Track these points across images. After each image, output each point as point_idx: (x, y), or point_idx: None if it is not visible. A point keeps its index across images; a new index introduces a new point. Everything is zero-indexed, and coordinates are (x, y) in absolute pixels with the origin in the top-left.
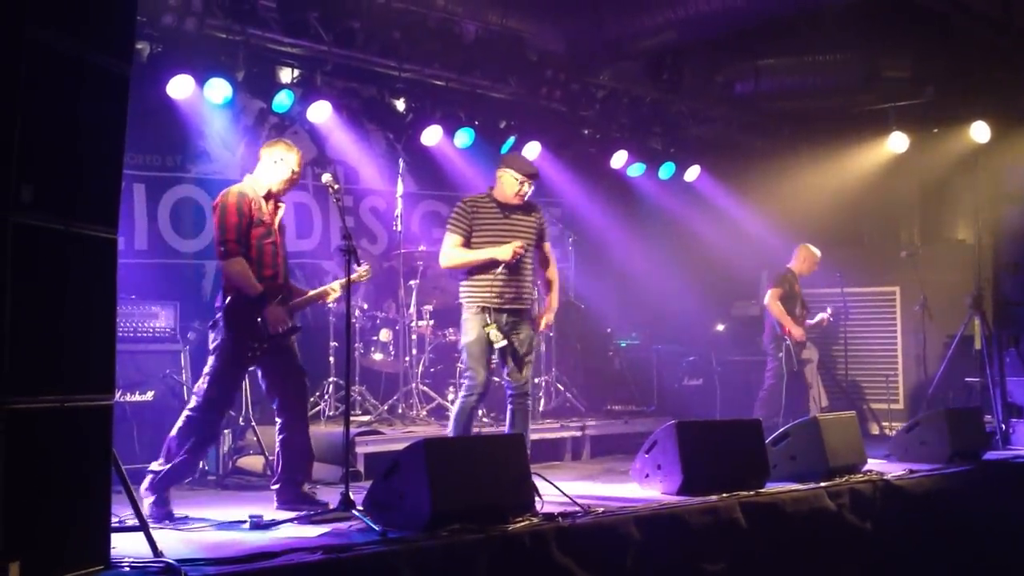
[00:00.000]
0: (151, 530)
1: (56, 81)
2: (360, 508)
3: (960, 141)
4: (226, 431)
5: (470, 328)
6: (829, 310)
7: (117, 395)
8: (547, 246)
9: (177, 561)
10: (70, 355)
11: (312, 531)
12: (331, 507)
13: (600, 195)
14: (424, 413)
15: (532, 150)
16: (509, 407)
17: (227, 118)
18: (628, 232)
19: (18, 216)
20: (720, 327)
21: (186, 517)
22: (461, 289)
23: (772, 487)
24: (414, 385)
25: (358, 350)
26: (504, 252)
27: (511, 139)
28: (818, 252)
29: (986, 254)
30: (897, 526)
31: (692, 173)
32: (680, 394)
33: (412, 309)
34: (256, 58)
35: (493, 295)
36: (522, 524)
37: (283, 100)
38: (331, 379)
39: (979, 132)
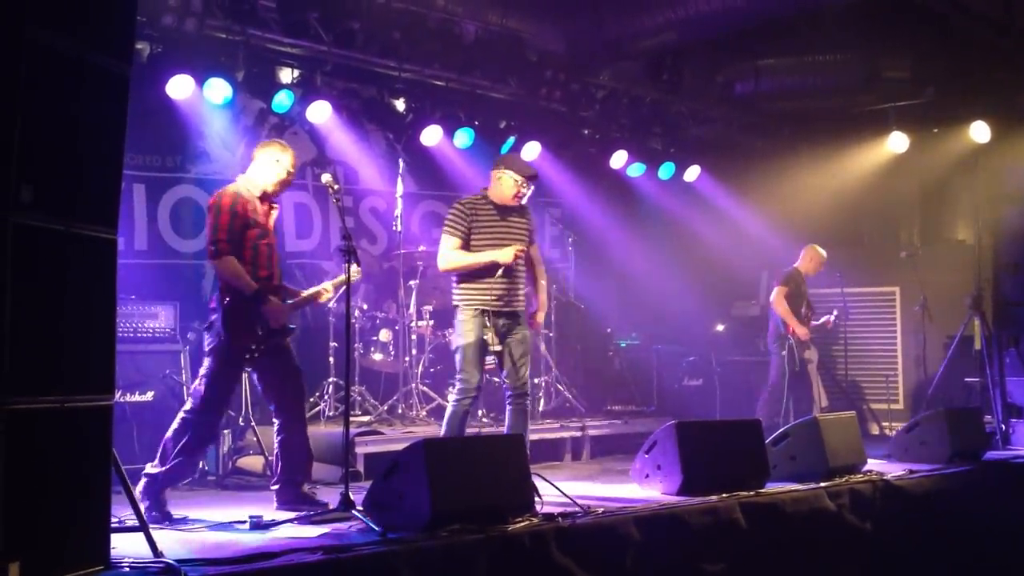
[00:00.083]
0: (151, 530)
1: (56, 81)
2: (360, 508)
3: (960, 141)
4: (226, 431)
5: (467, 330)
6: (836, 312)
7: (117, 395)
8: (535, 247)
9: (177, 561)
10: (70, 355)
11: (312, 531)
12: (331, 507)
13: (600, 195)
14: (424, 413)
15: (532, 150)
16: (508, 407)
17: (227, 118)
18: (628, 232)
19: (18, 216)
20: (720, 327)
21: (185, 518)
22: (457, 291)
23: (772, 487)
24: (414, 385)
25: (358, 350)
26: (506, 255)
27: (511, 139)
28: (824, 253)
29: (986, 254)
30: (897, 526)
31: (692, 173)
32: (680, 394)
33: (412, 309)
34: (256, 58)
35: (492, 298)
36: (522, 524)
37: (283, 100)
38: (331, 379)
39: (979, 132)
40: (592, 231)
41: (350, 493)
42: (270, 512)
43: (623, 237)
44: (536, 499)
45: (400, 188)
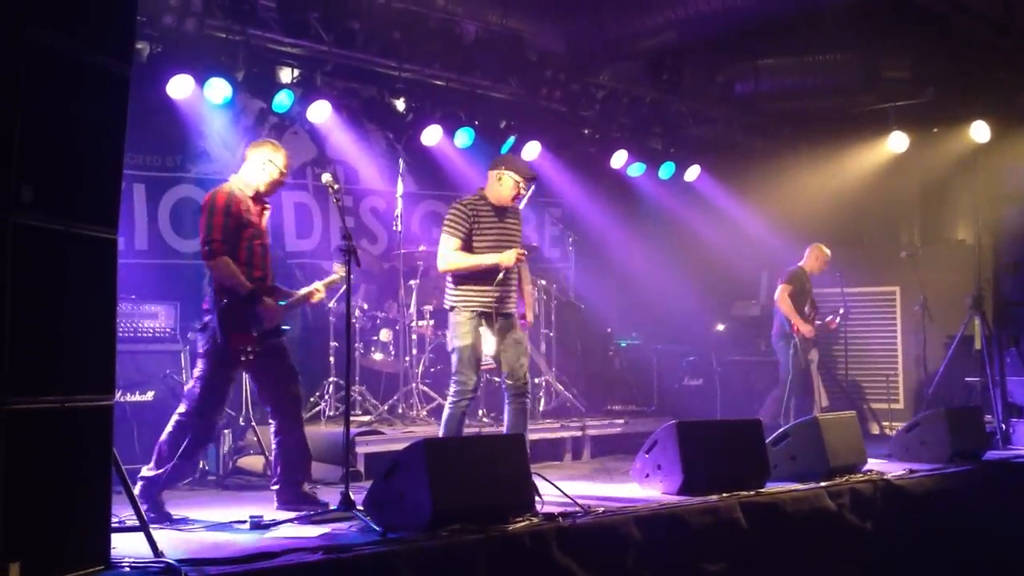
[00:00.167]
0: (151, 530)
1: (56, 81)
2: (360, 508)
3: (960, 141)
4: (226, 431)
5: (464, 332)
6: (842, 311)
7: (117, 395)
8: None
9: (177, 561)
10: (70, 355)
11: (312, 531)
12: (331, 507)
13: (600, 195)
14: (424, 413)
15: (532, 150)
16: (507, 407)
17: (227, 118)
18: (628, 232)
19: (18, 216)
20: (720, 327)
21: (186, 518)
22: (453, 293)
23: (772, 487)
24: (414, 385)
25: (358, 350)
26: (508, 258)
27: (511, 139)
28: (828, 252)
29: (986, 254)
30: (897, 526)
31: (692, 173)
32: (680, 394)
33: (412, 309)
34: (256, 58)
35: (490, 300)
36: (522, 524)
37: (283, 100)
38: (331, 379)
39: (979, 132)
40: (592, 231)
41: (350, 493)
42: (270, 512)
43: (623, 237)
44: (536, 499)
45: (400, 188)
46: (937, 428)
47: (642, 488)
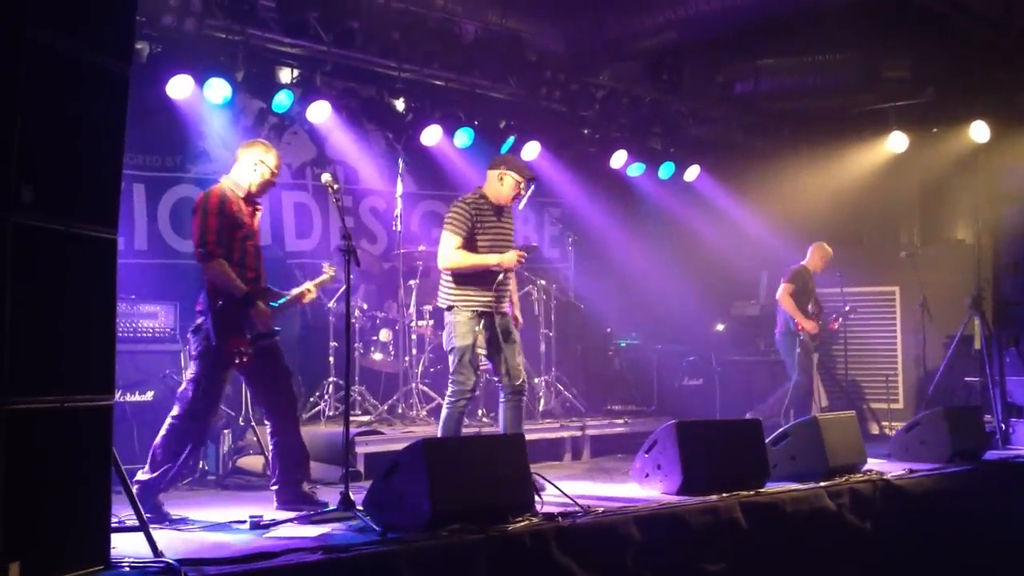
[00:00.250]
0: (151, 530)
1: (56, 81)
2: (360, 508)
3: (960, 141)
4: (226, 431)
5: (465, 332)
6: (847, 308)
7: (117, 395)
8: None
9: (177, 561)
10: (70, 355)
11: (312, 531)
12: (331, 507)
13: (600, 195)
14: (424, 413)
15: (532, 150)
16: (505, 405)
17: (227, 118)
18: (628, 232)
19: (18, 216)
20: (720, 327)
21: (185, 518)
22: (452, 292)
23: (772, 487)
24: (414, 385)
25: (358, 350)
26: (510, 259)
27: (511, 139)
28: (830, 250)
29: (986, 254)
30: (897, 526)
31: (692, 173)
32: (680, 394)
33: (412, 309)
34: (256, 58)
35: (490, 299)
36: (522, 524)
37: (283, 100)
38: (331, 379)
39: (979, 132)
40: (592, 231)
41: (350, 493)
42: (270, 512)
43: (623, 237)
44: (536, 499)
45: (400, 188)
46: (937, 428)
47: (642, 488)
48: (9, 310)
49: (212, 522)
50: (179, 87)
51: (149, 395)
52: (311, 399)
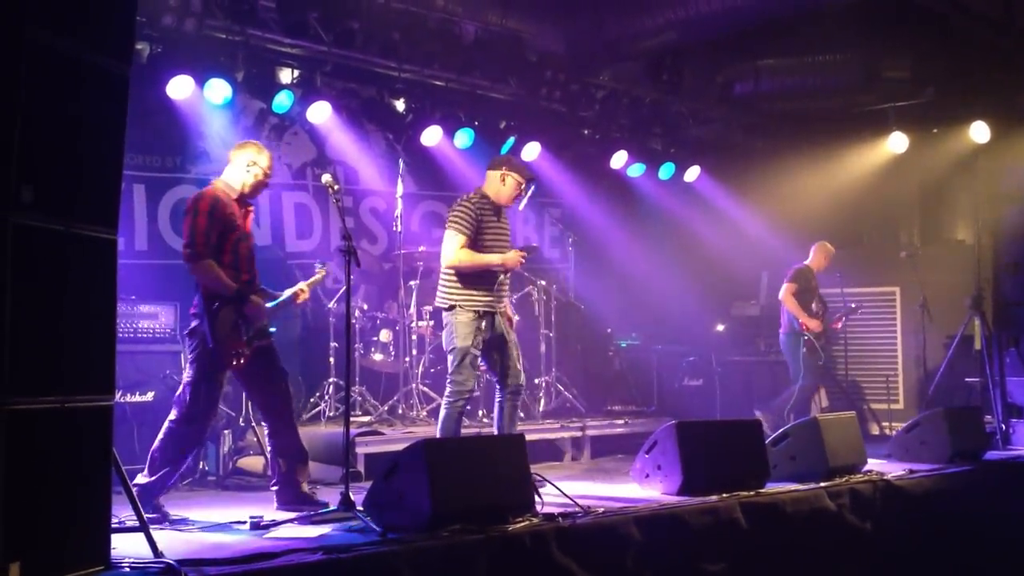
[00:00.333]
0: (151, 530)
1: (56, 81)
2: (360, 508)
3: (960, 141)
4: (226, 431)
5: (467, 333)
6: (853, 305)
7: (117, 395)
8: None
9: (177, 561)
10: (70, 355)
11: (312, 531)
12: (331, 507)
13: (600, 195)
14: (424, 413)
15: (532, 150)
16: (503, 405)
17: (227, 119)
18: (628, 232)
19: (18, 216)
20: (720, 327)
21: (185, 518)
22: (455, 291)
23: (772, 487)
24: (414, 385)
25: (358, 351)
26: (513, 260)
27: (511, 139)
28: (833, 249)
29: (986, 254)
30: (897, 526)
31: (692, 173)
32: (680, 394)
33: (412, 309)
34: (256, 59)
35: (492, 299)
36: (522, 524)
37: (283, 100)
38: (331, 379)
39: (979, 132)
40: (592, 231)
41: (350, 493)
42: (270, 512)
43: (623, 237)
44: (536, 499)
45: (400, 188)
46: (937, 428)
47: (642, 488)
48: (9, 310)
49: (212, 522)
50: (179, 87)
51: (149, 395)
52: (311, 400)
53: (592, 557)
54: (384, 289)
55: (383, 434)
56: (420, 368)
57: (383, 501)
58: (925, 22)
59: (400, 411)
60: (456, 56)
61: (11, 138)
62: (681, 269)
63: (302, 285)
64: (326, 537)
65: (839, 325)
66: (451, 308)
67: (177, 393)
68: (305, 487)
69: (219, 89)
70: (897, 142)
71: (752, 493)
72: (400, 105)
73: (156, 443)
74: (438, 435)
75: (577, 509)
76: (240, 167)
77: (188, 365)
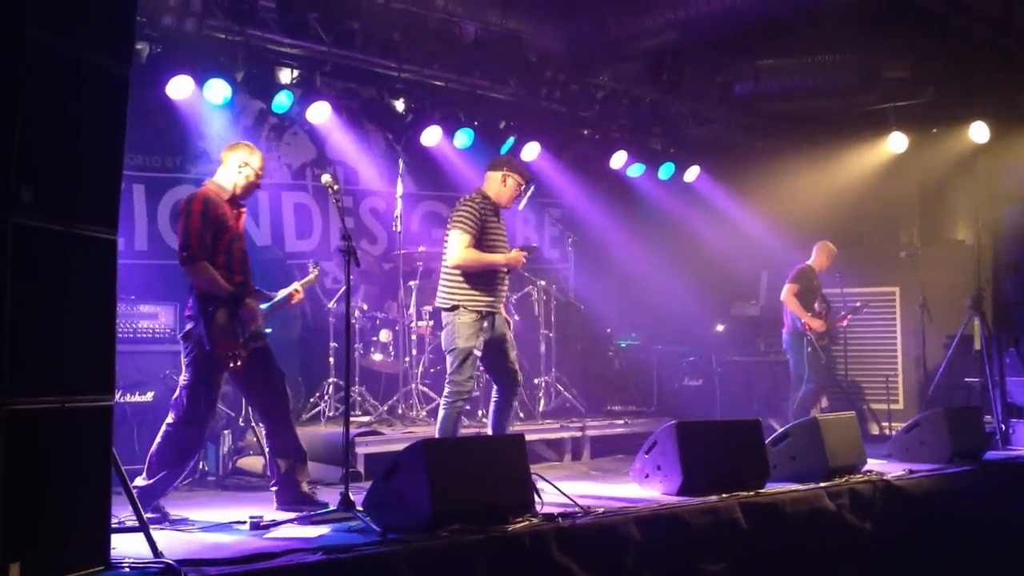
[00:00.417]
0: (151, 530)
1: (56, 81)
2: (360, 508)
3: (959, 141)
4: (226, 432)
5: (471, 333)
6: (859, 304)
7: (117, 395)
8: None
9: (177, 562)
10: (70, 355)
11: (312, 531)
12: (331, 507)
13: (600, 195)
14: (424, 413)
15: (532, 151)
16: (500, 403)
17: (227, 119)
18: (628, 232)
19: (18, 216)
20: (720, 327)
21: (186, 518)
22: (459, 291)
23: (772, 487)
24: (414, 386)
25: (358, 351)
26: (516, 259)
27: (511, 139)
28: (835, 248)
29: (986, 254)
30: (897, 526)
31: (692, 174)
32: (680, 395)
33: (412, 309)
34: (256, 59)
35: (494, 300)
36: (522, 524)
37: (282, 101)
38: (331, 380)
39: (978, 132)
40: (592, 231)
41: (350, 493)
42: (270, 512)
43: (623, 237)
44: (536, 499)
45: (400, 188)
46: (937, 428)
47: (642, 488)
48: (9, 310)
49: (212, 522)
50: (179, 87)
51: (149, 395)
52: (311, 400)
53: (592, 557)
54: (384, 289)
55: (383, 434)
56: (420, 368)
57: (383, 501)
58: (925, 22)
59: (400, 411)
60: (456, 56)
61: (11, 138)
62: (681, 269)
63: (296, 286)
64: (326, 537)
65: (845, 323)
66: (454, 308)
67: (174, 396)
68: (305, 487)
69: (219, 89)
70: (897, 142)
71: (752, 493)
72: (400, 105)
73: (154, 446)
74: (437, 435)
75: (577, 509)
76: (232, 168)
77: (184, 368)
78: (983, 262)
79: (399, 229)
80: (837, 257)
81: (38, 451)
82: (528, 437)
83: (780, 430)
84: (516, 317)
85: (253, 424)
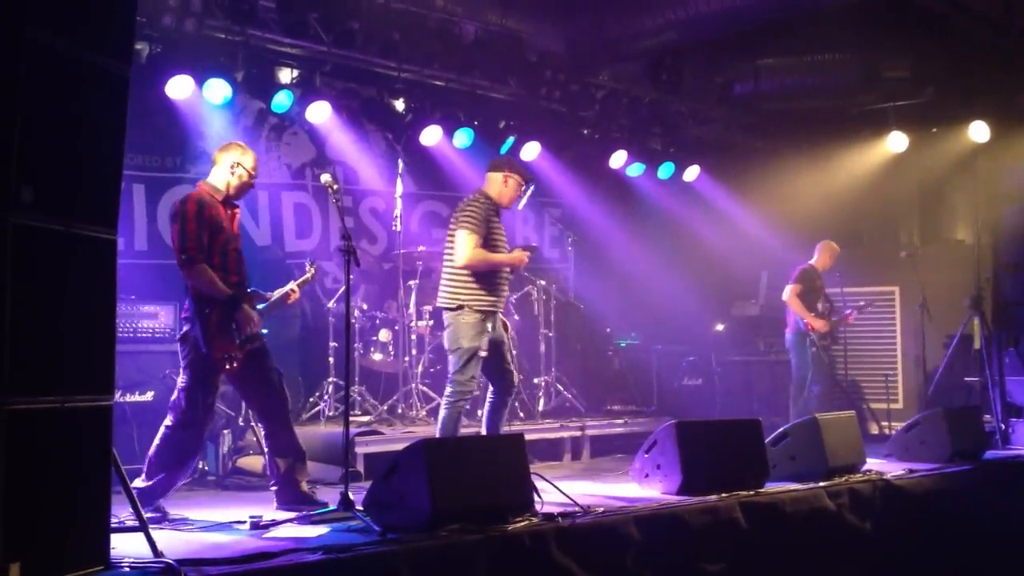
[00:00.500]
0: (151, 530)
1: (56, 81)
2: (360, 508)
3: (959, 141)
4: (226, 431)
5: (474, 334)
6: (863, 302)
7: (117, 395)
8: None
9: (177, 561)
10: (70, 355)
11: (312, 531)
12: (331, 507)
13: (600, 195)
14: (424, 413)
15: (532, 150)
16: (496, 405)
17: (226, 119)
18: (628, 232)
19: (18, 217)
20: (720, 327)
21: (185, 518)
22: (464, 291)
23: (772, 487)
24: (414, 385)
25: (358, 350)
26: (521, 259)
27: (510, 139)
28: (838, 247)
29: (985, 254)
30: (897, 526)
31: (691, 173)
32: (680, 394)
33: (412, 309)
34: (255, 59)
35: (497, 300)
36: (522, 524)
37: (282, 100)
38: (331, 379)
39: (978, 132)
40: (592, 231)
41: (350, 493)
42: (270, 512)
43: (623, 237)
44: (536, 499)
45: (400, 188)
46: (936, 428)
47: (641, 488)
48: (9, 310)
49: (212, 522)
50: (179, 87)
51: (149, 395)
52: (311, 399)
53: (592, 557)
54: (384, 289)
55: (383, 434)
56: (419, 368)
57: (383, 501)
58: (925, 22)
59: (400, 411)
60: (456, 56)
61: (11, 138)
62: (681, 269)
63: (292, 285)
64: (326, 537)
65: (851, 320)
66: (459, 308)
67: (172, 398)
68: (304, 487)
69: (219, 89)
70: (897, 142)
71: (752, 493)
72: (400, 105)
73: (152, 448)
74: (438, 435)
75: (577, 509)
76: (224, 168)
77: (182, 370)
78: (983, 262)
79: (399, 229)
80: (837, 257)
81: (38, 451)
82: (528, 437)
83: (780, 430)
84: (516, 317)
85: (253, 424)
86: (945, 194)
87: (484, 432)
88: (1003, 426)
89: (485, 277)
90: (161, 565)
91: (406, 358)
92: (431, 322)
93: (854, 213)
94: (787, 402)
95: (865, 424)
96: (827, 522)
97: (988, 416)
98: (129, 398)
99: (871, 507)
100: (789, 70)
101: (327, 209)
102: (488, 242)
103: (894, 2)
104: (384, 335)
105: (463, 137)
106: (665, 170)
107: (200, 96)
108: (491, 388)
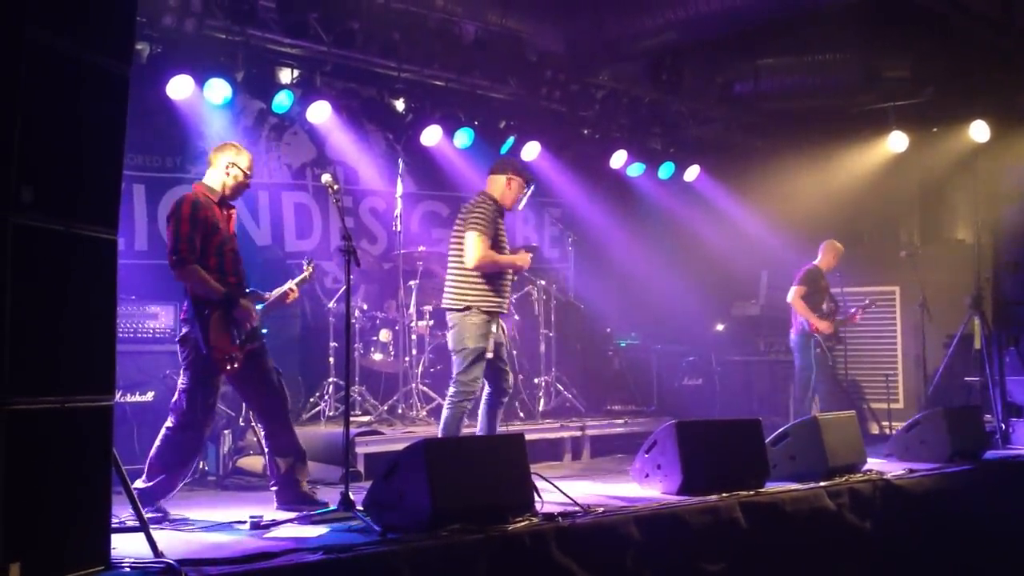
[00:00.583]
0: (151, 530)
1: (56, 81)
2: (360, 508)
3: (959, 141)
4: (226, 431)
5: (480, 335)
6: (867, 301)
7: (117, 395)
8: None
9: (177, 561)
10: (70, 355)
11: (312, 531)
12: (331, 507)
13: (600, 195)
14: (424, 413)
15: (532, 150)
16: (492, 405)
17: (227, 119)
18: (628, 232)
19: (18, 217)
20: (720, 327)
21: (186, 518)
22: (472, 293)
23: (772, 487)
24: (414, 385)
25: (358, 350)
26: (525, 260)
27: (510, 139)
28: (841, 247)
29: (985, 254)
30: (897, 526)
31: (691, 173)
32: (680, 394)
33: (412, 309)
34: (256, 59)
35: (501, 300)
36: (522, 524)
37: (283, 101)
38: (331, 379)
39: (978, 132)
40: (592, 231)
41: (350, 493)
42: (270, 512)
43: (623, 237)
44: (536, 499)
45: (400, 188)
46: (937, 428)
47: (642, 488)
48: (9, 310)
49: (212, 522)
50: (179, 87)
51: (150, 395)
52: (311, 399)
53: (592, 557)
54: (384, 289)
55: (383, 434)
56: (420, 368)
57: (383, 501)
58: (925, 22)
59: (400, 411)
60: (456, 56)
61: (11, 138)
62: (681, 269)
63: (290, 284)
64: (326, 537)
65: (858, 318)
66: (466, 309)
67: (173, 400)
68: (305, 487)
69: (219, 89)
70: (897, 141)
71: (752, 493)
72: (400, 105)
73: (153, 449)
74: (440, 435)
75: (577, 509)
76: (219, 169)
77: (182, 372)
78: (983, 261)
79: (399, 229)
80: (840, 256)
81: (38, 451)
82: (528, 437)
83: (780, 430)
84: (516, 317)
85: (253, 424)
86: (945, 194)
87: (479, 432)
88: (1003, 426)
89: (492, 279)
90: (162, 565)
91: (406, 358)
92: (431, 322)
93: (854, 213)
94: (787, 402)
95: (865, 424)
96: (827, 522)
97: (988, 416)
98: (129, 398)
99: (871, 507)
100: (789, 70)
101: (327, 209)
102: (494, 244)
103: (894, 2)
104: (384, 335)
105: (463, 137)
106: (665, 170)
107: (200, 96)
108: (487, 388)
